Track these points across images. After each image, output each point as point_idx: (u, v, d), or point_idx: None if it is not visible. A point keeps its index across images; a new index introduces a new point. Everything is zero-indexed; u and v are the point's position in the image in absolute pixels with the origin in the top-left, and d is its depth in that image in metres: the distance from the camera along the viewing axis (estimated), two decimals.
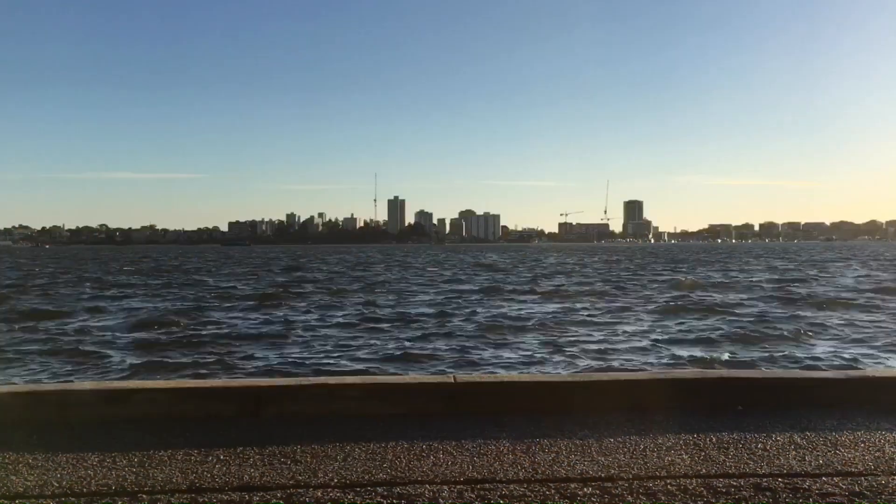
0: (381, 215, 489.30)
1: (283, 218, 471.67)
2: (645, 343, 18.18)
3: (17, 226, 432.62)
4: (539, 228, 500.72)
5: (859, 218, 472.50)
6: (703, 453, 5.34)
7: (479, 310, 26.85)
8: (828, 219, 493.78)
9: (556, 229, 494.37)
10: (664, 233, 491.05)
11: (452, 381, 6.64)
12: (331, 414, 6.20)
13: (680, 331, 20.67)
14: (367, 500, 4.52)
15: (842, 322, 22.32)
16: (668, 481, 4.81)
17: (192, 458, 5.26)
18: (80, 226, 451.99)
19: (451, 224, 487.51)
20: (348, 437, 5.64)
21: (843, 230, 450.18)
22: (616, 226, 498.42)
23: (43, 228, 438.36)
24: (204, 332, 20.56)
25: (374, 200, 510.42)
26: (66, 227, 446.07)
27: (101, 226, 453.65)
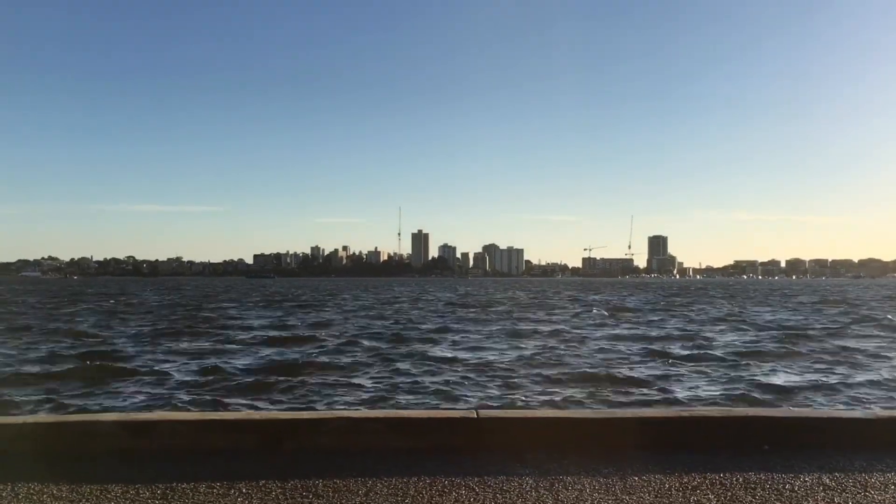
0: (405, 249, 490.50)
1: (308, 251, 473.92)
2: None
3: (45, 257, 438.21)
4: (563, 263, 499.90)
5: (888, 255, 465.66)
6: (729, 493, 5.26)
7: None
8: (855, 256, 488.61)
9: (579, 264, 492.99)
10: (689, 268, 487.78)
11: (475, 415, 6.60)
12: (353, 447, 6.19)
13: None
14: None
15: None
16: None
17: (215, 490, 5.26)
18: (108, 257, 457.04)
19: (474, 258, 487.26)
20: (370, 472, 5.62)
21: (871, 267, 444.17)
22: (640, 261, 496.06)
23: (71, 260, 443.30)
24: None
25: (398, 234, 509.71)
26: (93, 259, 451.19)
27: (129, 257, 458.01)
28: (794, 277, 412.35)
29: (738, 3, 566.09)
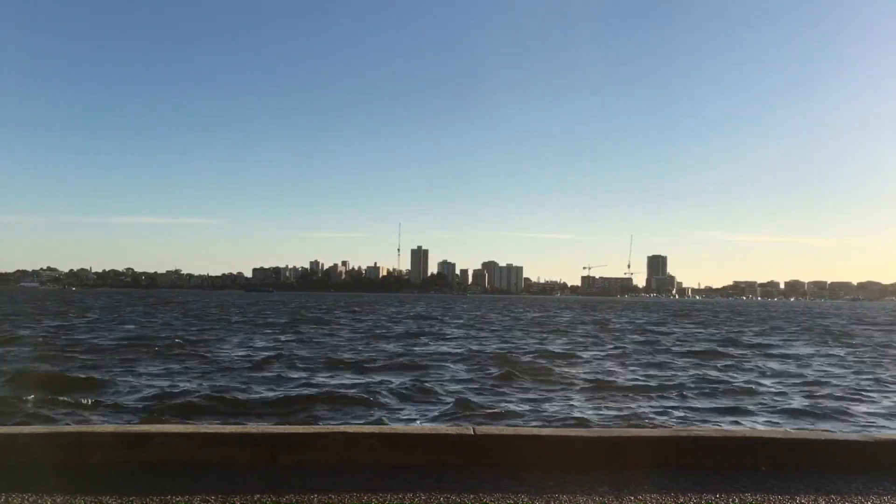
0: (405, 265, 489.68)
1: (307, 265, 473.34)
2: None
3: (44, 268, 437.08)
4: (562, 281, 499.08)
5: (887, 278, 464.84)
6: None
7: None
8: (854, 278, 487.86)
9: (578, 282, 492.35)
10: (688, 288, 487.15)
11: (472, 432, 6.59)
12: (348, 463, 6.17)
13: None
14: None
15: None
16: None
17: None
18: (107, 269, 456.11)
19: (473, 275, 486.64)
20: (365, 487, 5.61)
21: (869, 290, 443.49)
22: (639, 280, 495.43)
23: (70, 271, 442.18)
24: None
25: (398, 250, 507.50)
26: (92, 270, 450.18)
27: (128, 269, 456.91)
28: (792, 299, 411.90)
29: (743, 25, 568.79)
